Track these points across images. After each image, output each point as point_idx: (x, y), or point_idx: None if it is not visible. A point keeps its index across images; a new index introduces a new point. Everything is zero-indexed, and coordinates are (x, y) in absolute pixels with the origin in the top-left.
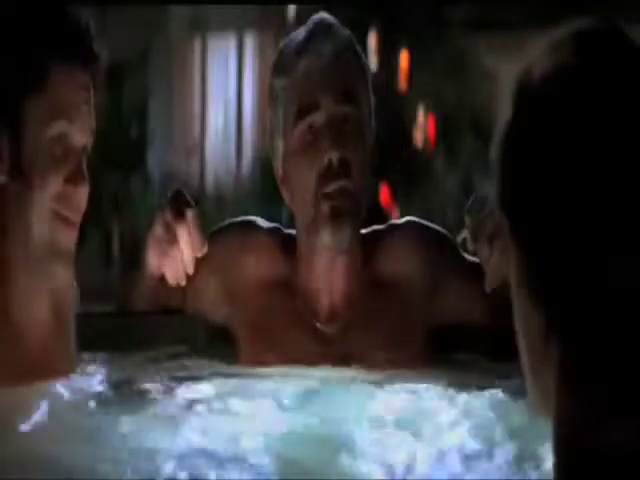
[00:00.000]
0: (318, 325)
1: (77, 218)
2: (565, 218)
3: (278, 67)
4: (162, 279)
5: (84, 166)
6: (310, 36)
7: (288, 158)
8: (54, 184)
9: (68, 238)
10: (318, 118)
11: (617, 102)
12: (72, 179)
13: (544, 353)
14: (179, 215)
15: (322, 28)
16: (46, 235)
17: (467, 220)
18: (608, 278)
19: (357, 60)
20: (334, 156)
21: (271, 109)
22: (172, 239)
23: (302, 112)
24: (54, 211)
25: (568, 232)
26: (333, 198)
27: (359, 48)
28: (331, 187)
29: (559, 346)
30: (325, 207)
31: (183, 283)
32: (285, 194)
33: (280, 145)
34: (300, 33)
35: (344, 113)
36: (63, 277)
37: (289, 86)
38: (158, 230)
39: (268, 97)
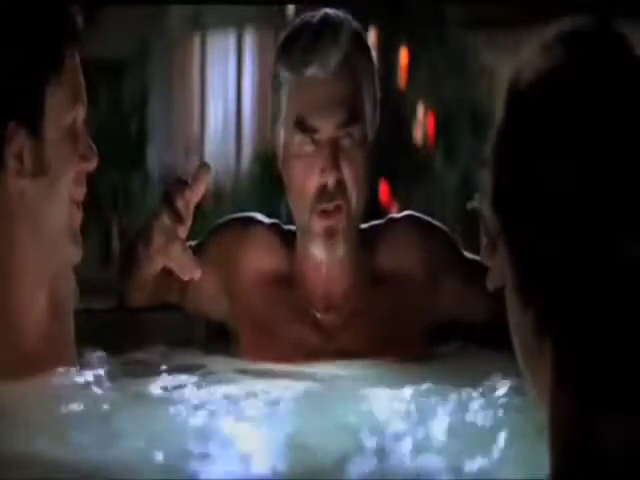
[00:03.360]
0: (318, 315)
1: (83, 195)
2: (554, 219)
3: (283, 59)
4: (163, 274)
5: (89, 139)
6: (317, 38)
7: (287, 154)
8: (73, 167)
9: (79, 220)
10: (318, 136)
11: (609, 102)
12: (85, 155)
13: (537, 350)
14: (175, 213)
15: (329, 28)
16: (64, 224)
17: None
18: (598, 278)
19: (363, 57)
20: (330, 179)
21: (274, 95)
22: (174, 240)
23: (303, 127)
24: (71, 195)
25: (557, 233)
26: (328, 217)
27: (365, 40)
28: (326, 206)
29: (550, 345)
30: (319, 224)
31: (198, 275)
32: (285, 179)
33: (281, 134)
34: (307, 26)
35: (344, 134)
36: (73, 257)
37: (293, 85)
38: (158, 238)
39: (272, 81)
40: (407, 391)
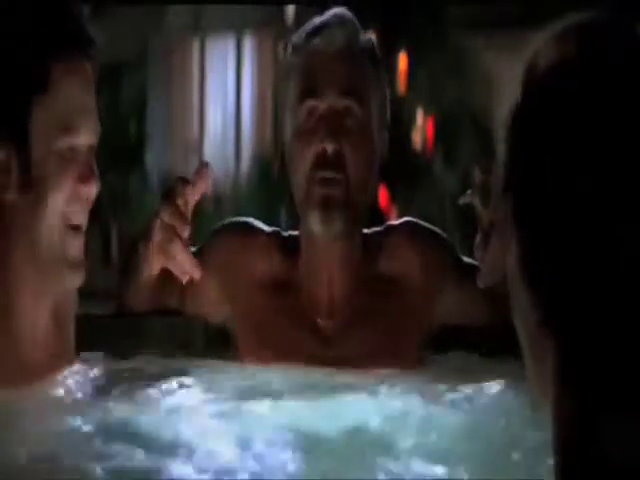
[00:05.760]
0: (318, 321)
1: (84, 221)
2: (566, 205)
3: (293, 47)
4: (162, 278)
5: (93, 163)
6: (324, 20)
7: (292, 136)
8: (66, 187)
9: (78, 246)
10: (320, 105)
11: (624, 91)
12: (83, 178)
13: (541, 343)
14: (175, 211)
15: (337, 16)
16: (56, 245)
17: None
18: (607, 268)
19: (371, 63)
20: (329, 147)
21: (283, 86)
22: (173, 238)
23: (305, 95)
24: (65, 217)
25: (568, 218)
26: (324, 186)
27: (378, 55)
28: (323, 174)
29: (554, 339)
30: (316, 194)
31: (197, 276)
32: (290, 175)
33: (287, 121)
34: (319, 19)
35: (345, 107)
36: (72, 283)
37: (299, 64)
38: (158, 235)
39: (283, 75)
40: (405, 397)
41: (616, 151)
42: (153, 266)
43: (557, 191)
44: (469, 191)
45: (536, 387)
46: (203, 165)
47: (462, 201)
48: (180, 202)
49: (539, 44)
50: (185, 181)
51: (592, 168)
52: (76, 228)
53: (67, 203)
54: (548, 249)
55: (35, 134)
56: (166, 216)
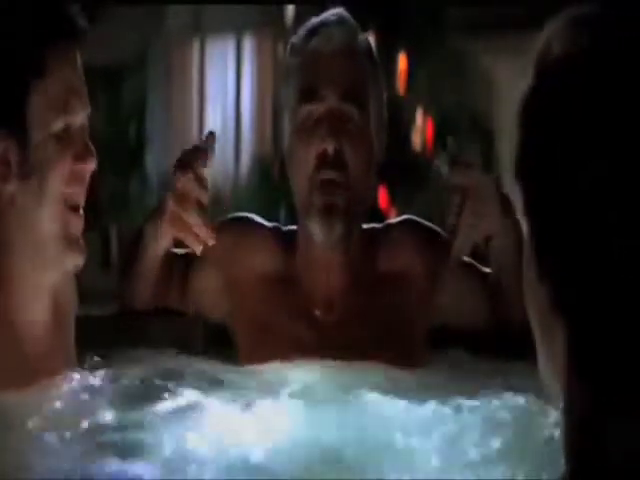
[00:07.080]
0: (317, 315)
1: (83, 201)
2: (579, 195)
3: (292, 47)
4: (166, 268)
5: (88, 141)
6: (325, 22)
7: (292, 137)
8: (64, 167)
9: (77, 225)
10: (320, 107)
11: (636, 80)
12: (80, 156)
13: (554, 332)
14: (195, 177)
15: (337, 14)
16: (56, 226)
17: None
18: (620, 257)
19: (369, 63)
20: (329, 146)
21: (283, 87)
22: (189, 206)
23: (305, 97)
24: (64, 197)
25: (582, 204)
26: (326, 191)
27: (375, 56)
28: (325, 176)
29: (567, 327)
30: (318, 200)
31: (212, 242)
32: (289, 176)
33: (286, 123)
34: (318, 18)
35: (345, 110)
36: (73, 263)
37: (298, 65)
38: (172, 206)
39: (283, 76)
40: (405, 398)
41: (628, 141)
42: (163, 240)
43: (569, 179)
44: (439, 157)
45: (547, 377)
46: (211, 135)
47: (435, 167)
48: (197, 168)
49: (551, 31)
50: (202, 150)
51: (605, 157)
52: (75, 208)
53: (66, 183)
54: (560, 237)
55: (33, 121)
56: (183, 183)
